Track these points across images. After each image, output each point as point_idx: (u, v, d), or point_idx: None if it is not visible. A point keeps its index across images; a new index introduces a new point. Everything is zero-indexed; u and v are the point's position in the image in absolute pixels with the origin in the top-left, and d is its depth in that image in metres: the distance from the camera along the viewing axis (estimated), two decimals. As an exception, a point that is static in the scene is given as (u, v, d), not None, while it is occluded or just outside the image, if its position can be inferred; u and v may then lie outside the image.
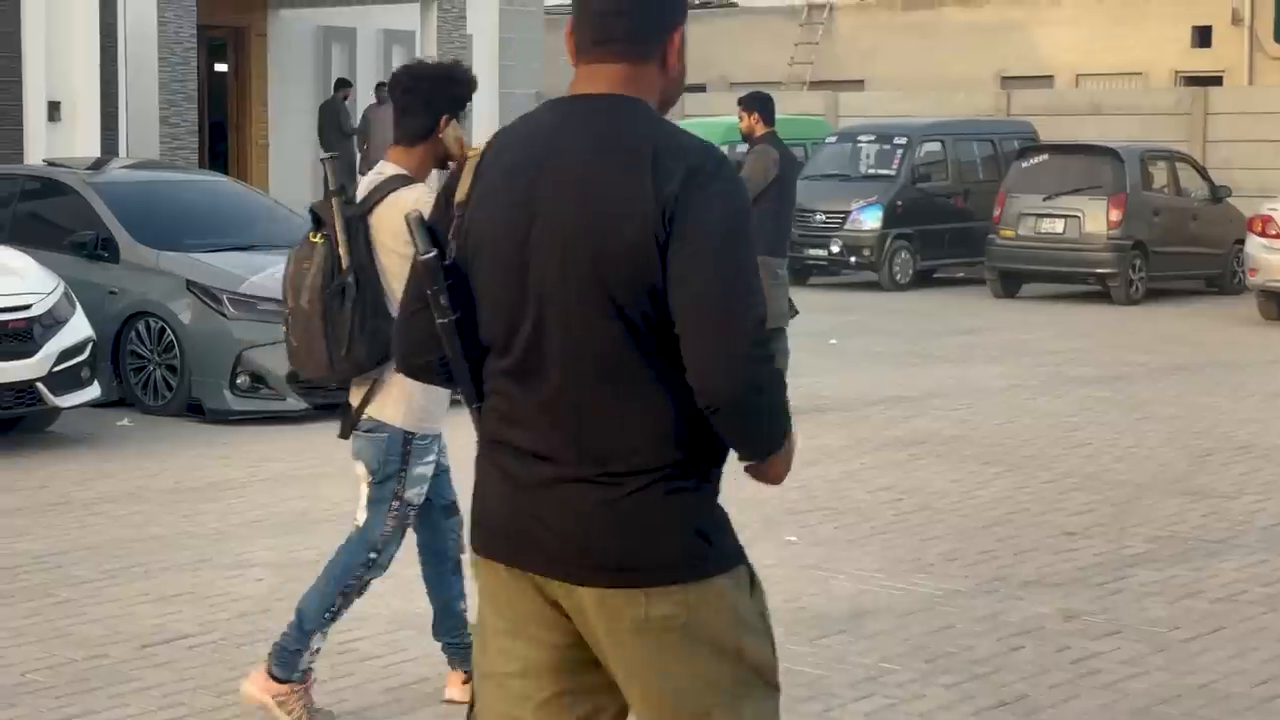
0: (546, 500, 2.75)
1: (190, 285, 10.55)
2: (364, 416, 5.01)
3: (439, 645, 5.36)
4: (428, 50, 23.35)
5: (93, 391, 9.70)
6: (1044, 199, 18.78)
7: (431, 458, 5.05)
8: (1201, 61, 27.26)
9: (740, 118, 10.84)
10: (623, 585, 2.72)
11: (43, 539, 7.31)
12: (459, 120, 5.02)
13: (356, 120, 23.37)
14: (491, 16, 26.36)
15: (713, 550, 2.80)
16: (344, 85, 23.33)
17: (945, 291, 20.05)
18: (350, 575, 5.05)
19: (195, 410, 10.44)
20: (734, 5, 33.55)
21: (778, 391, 2.72)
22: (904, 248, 20.11)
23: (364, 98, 23.90)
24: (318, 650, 5.04)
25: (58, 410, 9.59)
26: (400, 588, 6.49)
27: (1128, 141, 20.14)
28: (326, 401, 10.56)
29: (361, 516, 5.07)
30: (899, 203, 19.99)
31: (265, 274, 10.69)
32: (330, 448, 9.49)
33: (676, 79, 2.89)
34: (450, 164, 4.94)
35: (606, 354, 2.70)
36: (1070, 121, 22.87)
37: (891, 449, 9.59)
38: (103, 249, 10.89)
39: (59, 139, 17.09)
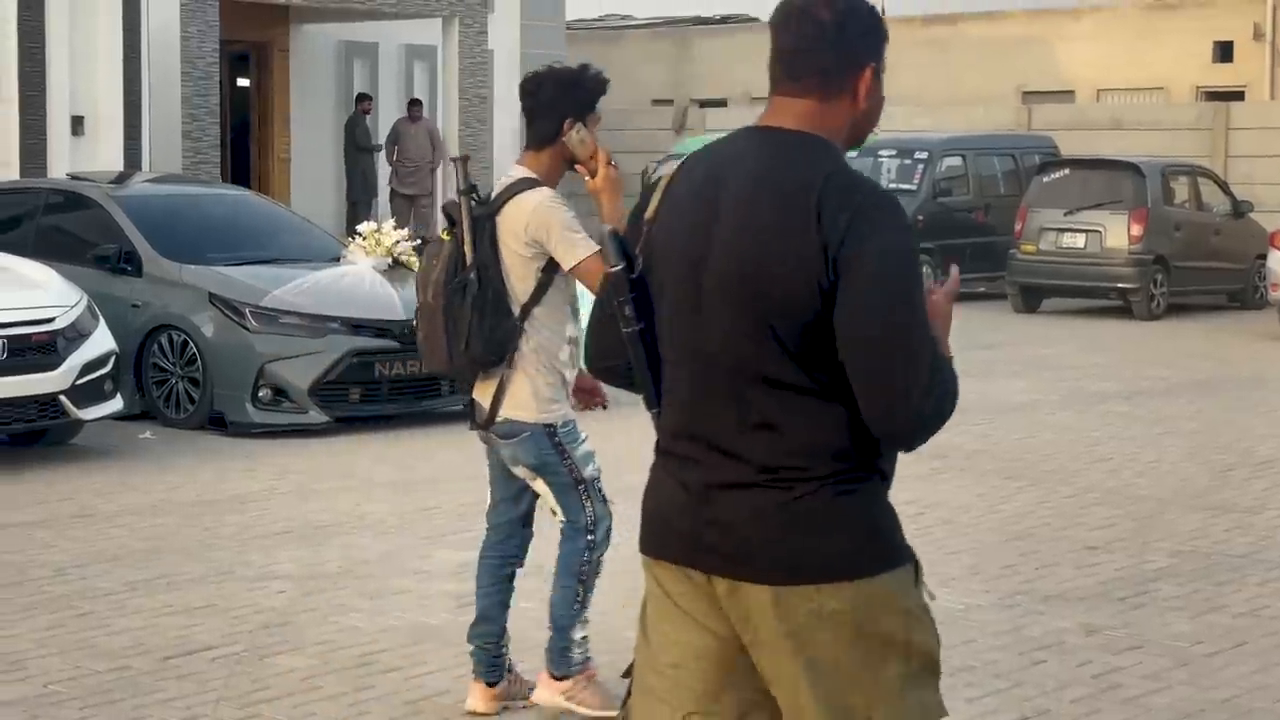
0: (721, 503, 2.86)
1: (213, 298, 10.59)
2: (503, 420, 5.11)
3: (467, 650, 5.36)
4: (449, 65, 23.43)
5: (115, 404, 9.74)
6: (1065, 214, 18.75)
7: (583, 436, 5.20)
8: (1223, 76, 27.20)
9: None
10: (796, 582, 2.82)
11: (66, 551, 7.34)
12: (586, 123, 5.09)
13: (380, 134, 23.42)
14: (513, 32, 26.41)
15: (881, 548, 2.91)
16: (364, 99, 23.41)
17: (966, 306, 19.97)
18: (580, 564, 5.22)
19: (217, 423, 10.47)
20: (756, 20, 33.59)
21: (945, 415, 2.91)
22: (925, 262, 20.02)
23: (386, 112, 23.96)
24: (585, 638, 5.24)
25: (81, 423, 9.63)
26: (421, 602, 6.51)
27: (1149, 156, 20.11)
28: (348, 415, 10.61)
29: (558, 511, 5.23)
30: (920, 217, 19.96)
31: (287, 287, 10.73)
32: (351, 460, 9.54)
33: (868, 112, 2.98)
34: (578, 167, 5.02)
35: (771, 374, 2.83)
36: (1091, 136, 22.85)
37: (913, 463, 9.51)
38: (126, 262, 10.94)
39: (82, 153, 17.16)
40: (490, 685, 5.31)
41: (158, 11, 19.07)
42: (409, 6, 22.68)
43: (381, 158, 23.04)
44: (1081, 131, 23.07)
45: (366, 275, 11.04)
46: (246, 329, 10.48)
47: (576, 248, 4.99)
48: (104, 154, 17.41)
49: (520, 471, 5.19)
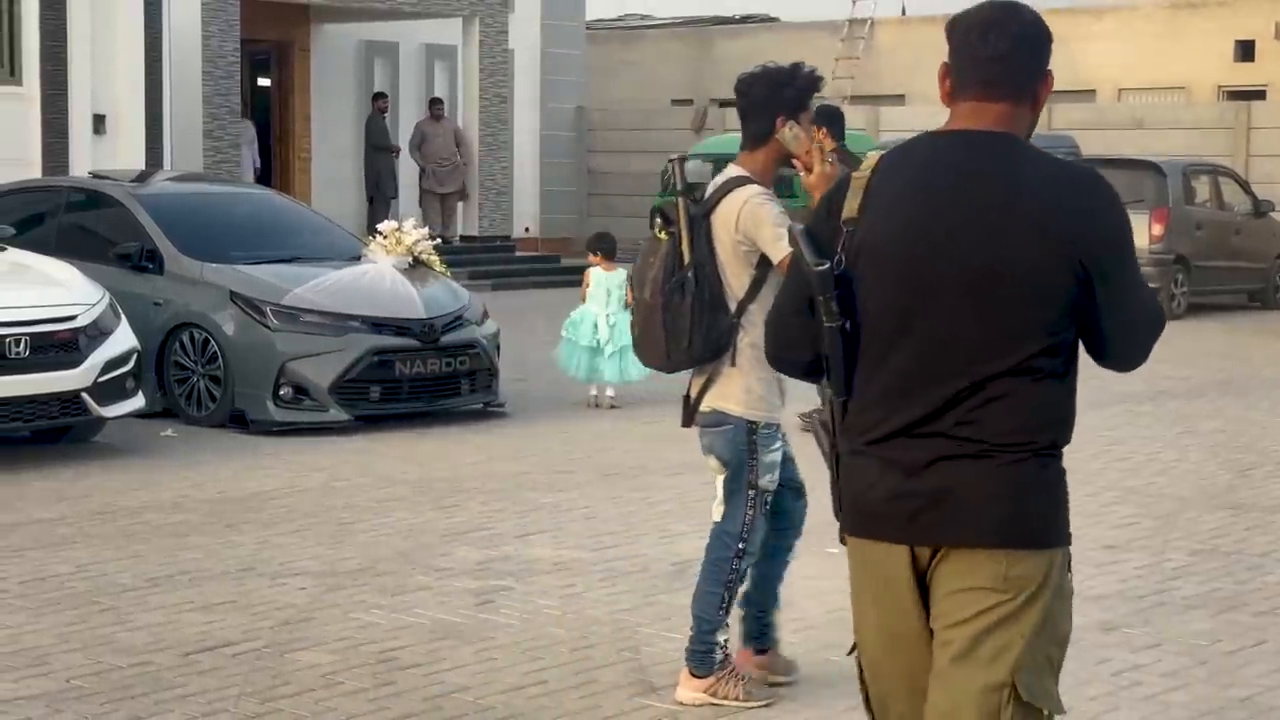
0: (932, 478, 3.09)
1: (234, 297, 10.63)
2: (708, 409, 5.23)
3: (739, 619, 5.44)
4: (468, 65, 23.47)
5: (137, 402, 9.78)
6: (1085, 213, 18.70)
7: (777, 445, 5.28)
8: (1244, 76, 27.11)
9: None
10: (992, 546, 3.08)
11: (87, 547, 7.38)
12: (799, 120, 5.19)
13: (399, 133, 23.43)
14: (533, 31, 26.45)
15: (1062, 524, 3.16)
16: (380, 98, 23.42)
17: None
18: (727, 571, 5.29)
19: (239, 421, 10.51)
20: (775, 20, 33.57)
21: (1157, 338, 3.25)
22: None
23: (407, 111, 24.00)
24: (726, 640, 5.32)
25: (103, 420, 9.67)
26: (441, 599, 6.53)
27: (1170, 156, 20.06)
28: (368, 413, 10.65)
29: (719, 511, 5.33)
30: (940, 217, 19.95)
31: (308, 286, 10.76)
32: (372, 458, 9.57)
33: (1038, 114, 3.29)
34: (795, 163, 5.08)
35: (989, 356, 3.06)
36: (1112, 136, 22.81)
37: (932, 462, 9.56)
38: (148, 260, 10.98)
39: (104, 152, 17.24)
40: (760, 650, 5.46)
41: (179, 11, 19.15)
42: (430, 6, 22.73)
43: (404, 156, 23.05)
44: (1102, 131, 23.03)
45: (387, 274, 11.06)
46: (267, 327, 10.51)
47: (784, 242, 5.05)
48: (125, 153, 17.49)
49: (711, 463, 5.32)
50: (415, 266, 11.32)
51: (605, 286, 11.63)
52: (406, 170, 23.21)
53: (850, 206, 3.17)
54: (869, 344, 3.16)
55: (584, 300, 11.66)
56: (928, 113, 25.57)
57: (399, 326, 10.71)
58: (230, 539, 7.57)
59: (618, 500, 8.47)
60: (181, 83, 19.42)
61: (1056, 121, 23.75)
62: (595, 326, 11.46)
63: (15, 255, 10.12)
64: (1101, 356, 3.20)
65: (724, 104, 29.31)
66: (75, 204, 12.00)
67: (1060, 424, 3.13)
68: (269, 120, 23.79)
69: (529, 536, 7.64)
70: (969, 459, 3.08)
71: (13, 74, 17.30)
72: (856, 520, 3.22)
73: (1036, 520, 3.11)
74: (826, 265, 3.13)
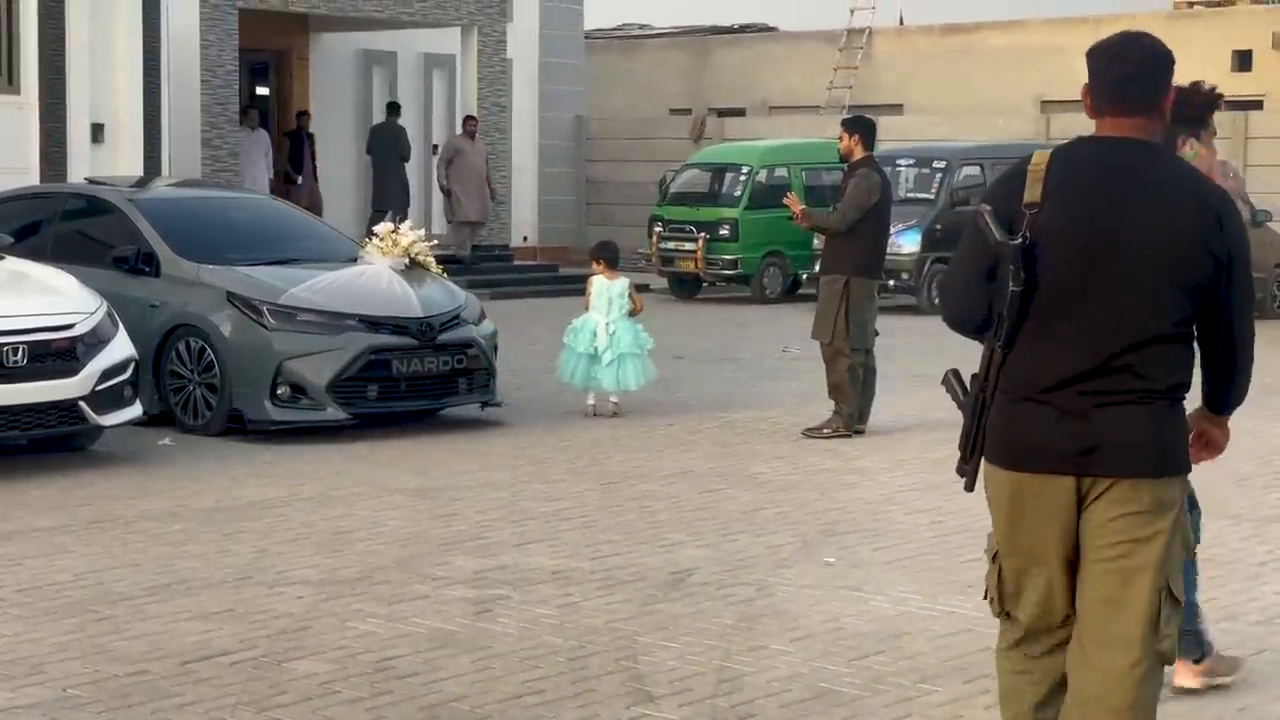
0: (1098, 421, 3.79)
1: (231, 297, 10.64)
2: None
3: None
4: (466, 74, 23.48)
5: (135, 410, 9.77)
6: (1083, 223, 18.72)
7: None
8: (1242, 85, 27.12)
9: (841, 138, 11.05)
10: (1150, 475, 3.81)
11: (84, 556, 7.37)
12: (1200, 138, 5.34)
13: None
14: (532, 41, 26.47)
15: (1186, 453, 3.94)
16: (397, 108, 23.25)
17: (984, 315, 20.00)
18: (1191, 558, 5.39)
19: (236, 421, 10.51)
20: (774, 29, 33.59)
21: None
22: (942, 271, 20.07)
23: (403, 120, 23.95)
24: (1205, 628, 5.64)
25: (100, 429, 9.66)
26: (438, 608, 6.52)
27: (1168, 165, 20.06)
28: (366, 411, 10.66)
29: None
30: (938, 226, 19.97)
31: (305, 285, 10.77)
32: (370, 467, 9.56)
33: (1166, 122, 4.00)
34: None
35: (1146, 321, 3.79)
36: (1110, 145, 22.80)
37: (930, 471, 9.57)
38: (144, 263, 11.00)
39: (102, 161, 17.24)
40: (1196, 661, 5.54)
41: (177, 20, 19.16)
42: (428, 15, 22.74)
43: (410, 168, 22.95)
44: (1100, 141, 23.02)
45: (384, 274, 11.09)
46: (264, 327, 10.52)
47: None
48: (124, 161, 17.49)
49: None
50: (412, 268, 11.34)
51: (607, 295, 11.64)
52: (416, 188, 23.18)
53: (1032, 193, 3.84)
54: (1044, 306, 3.83)
55: (586, 308, 11.66)
56: (926, 122, 25.62)
57: (396, 325, 10.73)
58: (227, 547, 7.56)
59: (615, 509, 8.46)
60: (180, 91, 19.43)
61: (1054, 131, 23.76)
62: (594, 334, 11.47)
63: (13, 264, 10.11)
64: (1214, 342, 3.94)
65: (722, 113, 29.36)
66: (72, 210, 12.02)
67: (1189, 376, 3.88)
68: (268, 128, 23.80)
69: (526, 545, 7.63)
70: (1127, 405, 3.79)
71: (11, 83, 17.30)
72: (1020, 456, 3.86)
73: (1176, 452, 3.87)
74: (1018, 241, 3.80)
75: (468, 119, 22.77)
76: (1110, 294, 3.80)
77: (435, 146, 24.54)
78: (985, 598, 4.09)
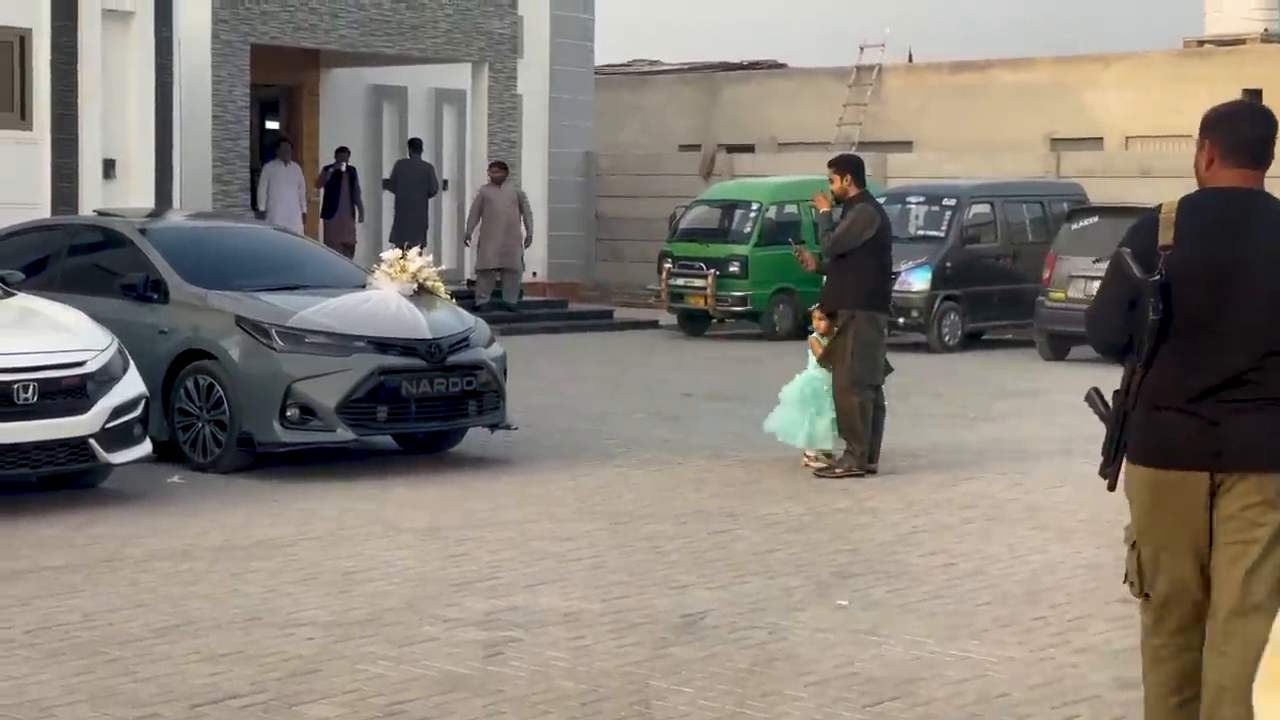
0: (1229, 425, 4.49)
1: (239, 321, 10.65)
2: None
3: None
4: (477, 110, 23.52)
5: (145, 448, 9.75)
6: (1094, 261, 18.65)
7: None
8: (1252, 124, 27.13)
9: (832, 179, 11.01)
10: (1275, 469, 4.50)
11: (94, 596, 7.33)
12: None
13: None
14: (542, 76, 26.54)
15: None
16: (420, 144, 23.31)
17: (994, 353, 19.97)
18: None
19: (246, 444, 10.49)
20: (783, 66, 33.66)
21: None
22: (953, 309, 20.06)
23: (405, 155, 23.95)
24: None
25: (110, 467, 9.64)
26: (449, 650, 6.48)
27: (1178, 204, 20.03)
28: (375, 434, 10.65)
29: None
30: (948, 264, 19.95)
31: (313, 309, 10.77)
32: (379, 506, 9.53)
33: None
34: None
35: (1265, 341, 4.49)
36: (1120, 184, 22.80)
37: (943, 511, 9.52)
38: (152, 290, 11.01)
39: (114, 196, 17.26)
40: None
41: (189, 56, 19.23)
42: (439, 51, 22.81)
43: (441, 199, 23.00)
44: (1110, 179, 23.02)
45: (392, 298, 11.10)
46: (273, 349, 10.52)
47: None
48: (135, 196, 17.52)
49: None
50: (420, 293, 11.35)
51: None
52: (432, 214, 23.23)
53: (1165, 237, 4.56)
54: (1180, 332, 4.52)
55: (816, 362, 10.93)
56: (935, 159, 25.62)
57: (405, 346, 10.72)
58: (237, 588, 7.52)
59: (626, 549, 8.42)
60: (191, 126, 19.49)
61: (1065, 169, 23.76)
62: (817, 390, 10.86)
63: (24, 300, 10.11)
64: None
65: (731, 149, 29.40)
66: (81, 242, 12.06)
67: None
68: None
69: (537, 586, 7.59)
70: (1252, 411, 4.50)
71: (23, 118, 17.34)
72: (1163, 457, 4.57)
73: None
74: (1157, 277, 4.49)
75: (494, 164, 22.42)
76: (1234, 319, 4.51)
77: (444, 182, 24.57)
78: (1125, 581, 4.81)
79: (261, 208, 21.78)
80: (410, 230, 22.15)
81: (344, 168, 22.76)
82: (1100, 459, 4.73)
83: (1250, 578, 4.52)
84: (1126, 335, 4.62)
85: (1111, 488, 4.71)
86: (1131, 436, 4.63)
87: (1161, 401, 4.56)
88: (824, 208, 11.01)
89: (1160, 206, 4.64)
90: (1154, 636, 4.77)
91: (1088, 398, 4.75)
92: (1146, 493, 4.62)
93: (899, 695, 5.96)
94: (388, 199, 23.57)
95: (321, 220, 22.47)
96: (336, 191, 22.58)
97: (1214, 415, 4.52)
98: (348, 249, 20.62)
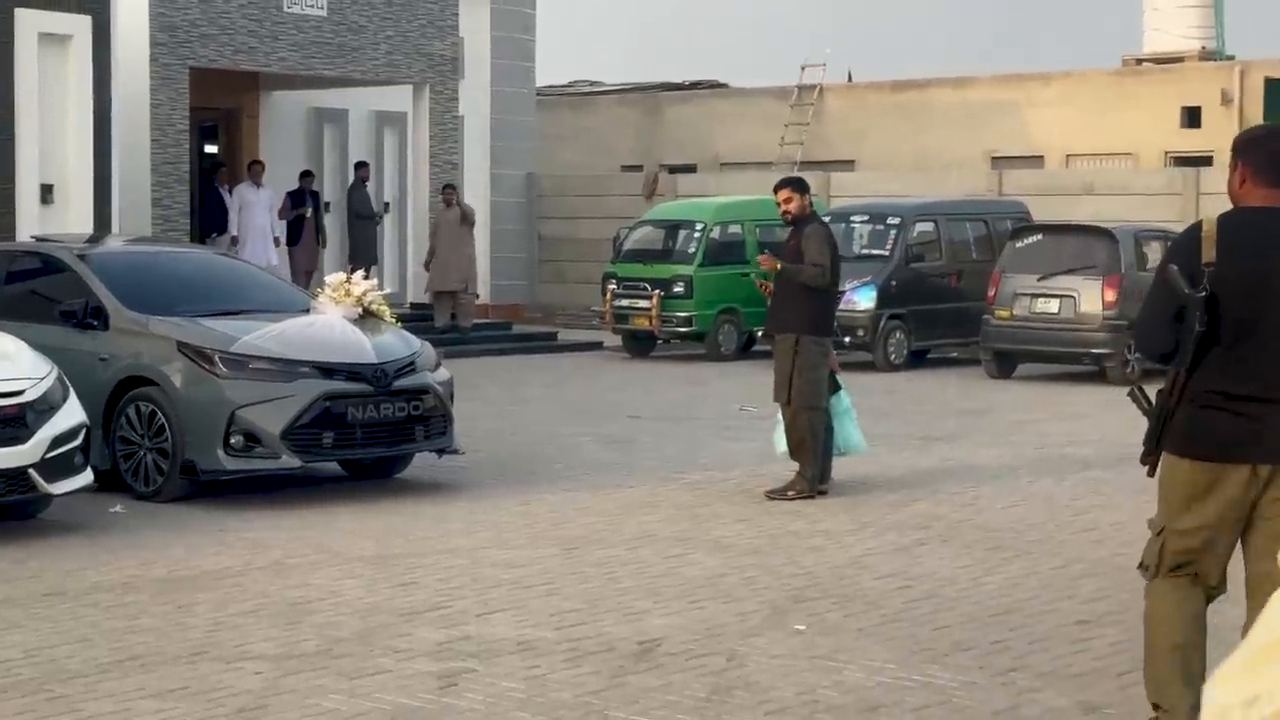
0: (1264, 418, 4.98)
1: (182, 347, 10.48)
2: None
3: None
4: (418, 132, 23.38)
5: (86, 478, 9.56)
6: (1039, 279, 18.75)
7: None
8: (1191, 141, 27.37)
9: (789, 200, 10.94)
10: None
11: (35, 631, 7.14)
12: None
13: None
14: (484, 99, 26.43)
15: None
16: (362, 167, 23.21)
17: (940, 372, 19.98)
18: None
19: (189, 473, 10.31)
20: (725, 86, 33.68)
21: None
22: (898, 328, 20.06)
23: (350, 178, 23.79)
24: None
25: (50, 497, 9.44)
26: (401, 683, 6.34)
27: (1121, 222, 20.15)
28: (321, 460, 10.50)
29: None
30: (893, 283, 19.96)
31: (257, 334, 10.61)
32: (326, 535, 9.37)
33: None
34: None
35: None
36: (1062, 201, 22.91)
37: (896, 533, 9.46)
38: (92, 317, 10.83)
39: (52, 221, 17.03)
40: None
41: (127, 79, 19.00)
42: (380, 74, 22.66)
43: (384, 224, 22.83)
44: (1052, 197, 23.13)
45: (337, 323, 10.96)
46: (216, 375, 10.36)
47: None
48: (74, 221, 17.29)
49: None
50: (365, 317, 11.22)
51: None
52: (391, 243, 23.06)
53: (1208, 253, 5.01)
54: (1223, 340, 4.98)
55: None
56: (877, 178, 25.66)
57: (350, 372, 10.57)
58: (182, 620, 7.36)
59: (579, 575, 8.30)
60: (130, 151, 19.24)
61: (1007, 187, 23.84)
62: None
63: (-40, 328, 9.90)
64: None
65: (674, 170, 29.36)
66: (19, 269, 11.85)
67: None
68: (215, 188, 23.61)
69: (490, 615, 7.46)
70: None
71: (-42, 143, 17.09)
72: (1205, 450, 5.05)
73: None
74: (1202, 292, 4.95)
75: (446, 187, 22.52)
76: (1272, 327, 4.98)
77: (386, 204, 24.44)
78: (1140, 566, 5.28)
79: (234, 232, 21.47)
80: (362, 254, 21.99)
81: (310, 193, 22.53)
82: (1141, 448, 5.22)
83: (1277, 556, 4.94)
84: (1173, 343, 5.05)
85: (1151, 474, 5.22)
86: (1175, 432, 5.09)
87: (1208, 402, 5.03)
88: (766, 266, 11.10)
89: (1200, 224, 5.07)
90: (1165, 605, 5.26)
91: (1130, 394, 5.17)
92: (1187, 483, 5.08)
93: (861, 722, 5.87)
94: (332, 223, 23.39)
95: (287, 248, 22.19)
96: (301, 218, 22.31)
97: (1256, 414, 4.99)
98: (309, 276, 20.38)
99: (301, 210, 22.26)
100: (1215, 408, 5.04)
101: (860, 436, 11.12)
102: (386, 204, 24.50)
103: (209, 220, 21.98)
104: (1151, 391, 5.18)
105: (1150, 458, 5.19)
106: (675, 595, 7.86)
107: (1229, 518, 5.10)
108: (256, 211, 21.57)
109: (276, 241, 21.79)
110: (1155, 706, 5.29)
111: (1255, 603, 5.11)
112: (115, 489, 10.44)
